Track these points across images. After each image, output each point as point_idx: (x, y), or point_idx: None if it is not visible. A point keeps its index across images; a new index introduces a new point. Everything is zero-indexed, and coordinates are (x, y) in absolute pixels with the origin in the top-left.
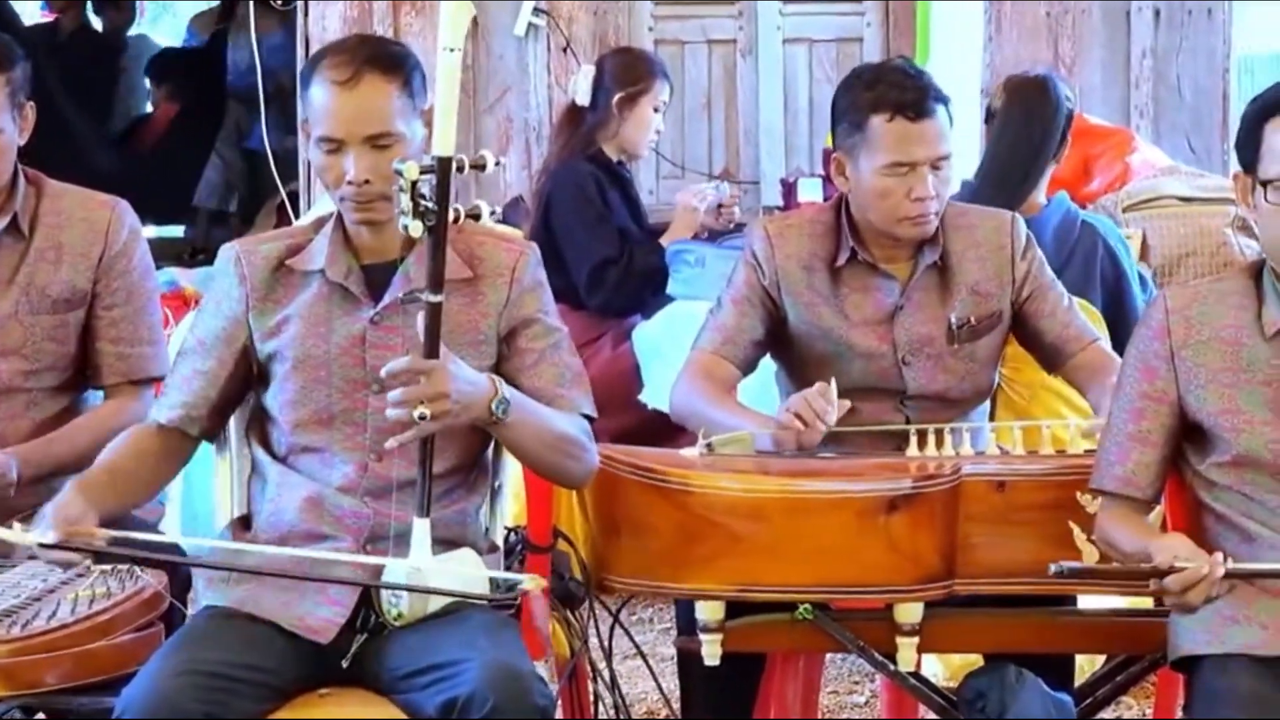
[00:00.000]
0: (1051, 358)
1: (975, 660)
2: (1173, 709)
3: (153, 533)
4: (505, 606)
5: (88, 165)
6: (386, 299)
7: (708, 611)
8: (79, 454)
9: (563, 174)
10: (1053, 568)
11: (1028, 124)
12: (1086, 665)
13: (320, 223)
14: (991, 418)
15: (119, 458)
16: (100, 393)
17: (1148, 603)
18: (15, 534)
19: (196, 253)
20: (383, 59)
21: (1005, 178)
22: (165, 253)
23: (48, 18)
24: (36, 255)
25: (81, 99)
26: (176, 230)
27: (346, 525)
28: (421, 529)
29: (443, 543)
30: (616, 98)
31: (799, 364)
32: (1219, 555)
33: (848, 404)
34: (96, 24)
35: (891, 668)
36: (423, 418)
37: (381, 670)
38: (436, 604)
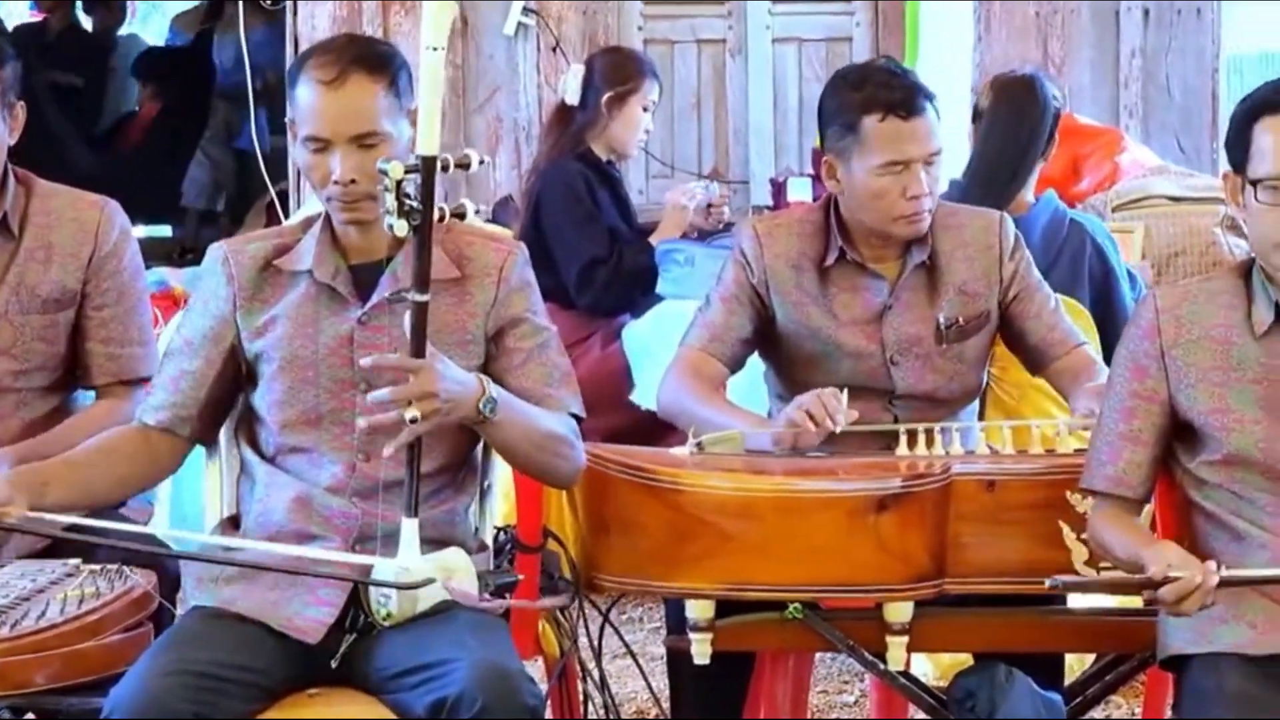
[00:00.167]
0: (1035, 360)
1: (965, 659)
2: (1162, 708)
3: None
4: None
5: (73, 164)
6: (374, 299)
7: (697, 610)
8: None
9: (552, 173)
10: (1049, 582)
11: (1015, 123)
12: (1076, 664)
13: (308, 222)
14: (981, 417)
15: (84, 451)
16: (91, 393)
17: (1137, 602)
18: None
19: (185, 252)
20: (369, 59)
21: (993, 177)
22: (153, 252)
23: (36, 17)
24: (26, 255)
25: (70, 98)
26: (164, 229)
27: (335, 525)
28: (410, 529)
29: (432, 542)
30: (605, 97)
31: (787, 363)
32: (1212, 564)
33: (855, 413)
34: (86, 24)
35: (881, 667)
36: (414, 420)
37: (370, 670)
38: (426, 604)
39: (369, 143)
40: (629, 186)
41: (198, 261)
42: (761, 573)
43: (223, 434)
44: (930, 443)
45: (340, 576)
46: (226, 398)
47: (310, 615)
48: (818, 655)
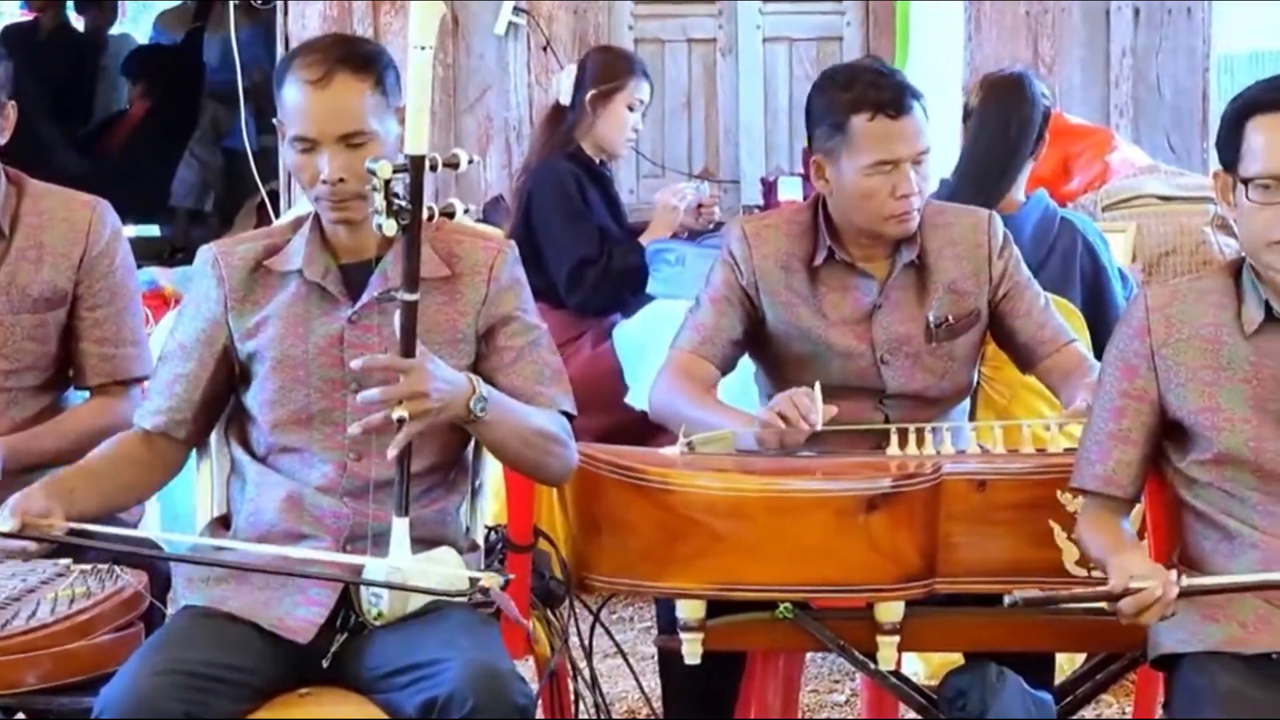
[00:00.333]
0: (1025, 358)
1: (956, 659)
2: (1153, 707)
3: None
4: (485, 605)
5: (62, 164)
6: (364, 298)
7: (688, 610)
8: (64, 448)
9: (543, 172)
10: (1007, 600)
11: (1004, 121)
12: (1067, 664)
13: (298, 223)
14: (972, 417)
15: (98, 460)
16: (83, 393)
17: None
18: None
19: (175, 251)
20: (355, 58)
21: (983, 176)
22: (143, 252)
23: (27, 17)
24: (17, 255)
25: (61, 98)
26: (152, 229)
27: (326, 525)
28: (400, 528)
29: (423, 542)
30: (590, 94)
31: (778, 364)
32: (1173, 574)
33: (834, 409)
34: (77, 23)
35: (872, 666)
36: (402, 420)
37: (361, 670)
38: (416, 603)
39: (356, 142)
40: (619, 186)
41: (188, 261)
42: (752, 572)
43: (213, 434)
44: (921, 442)
45: (333, 577)
46: (222, 400)
47: (301, 615)
48: (808, 655)
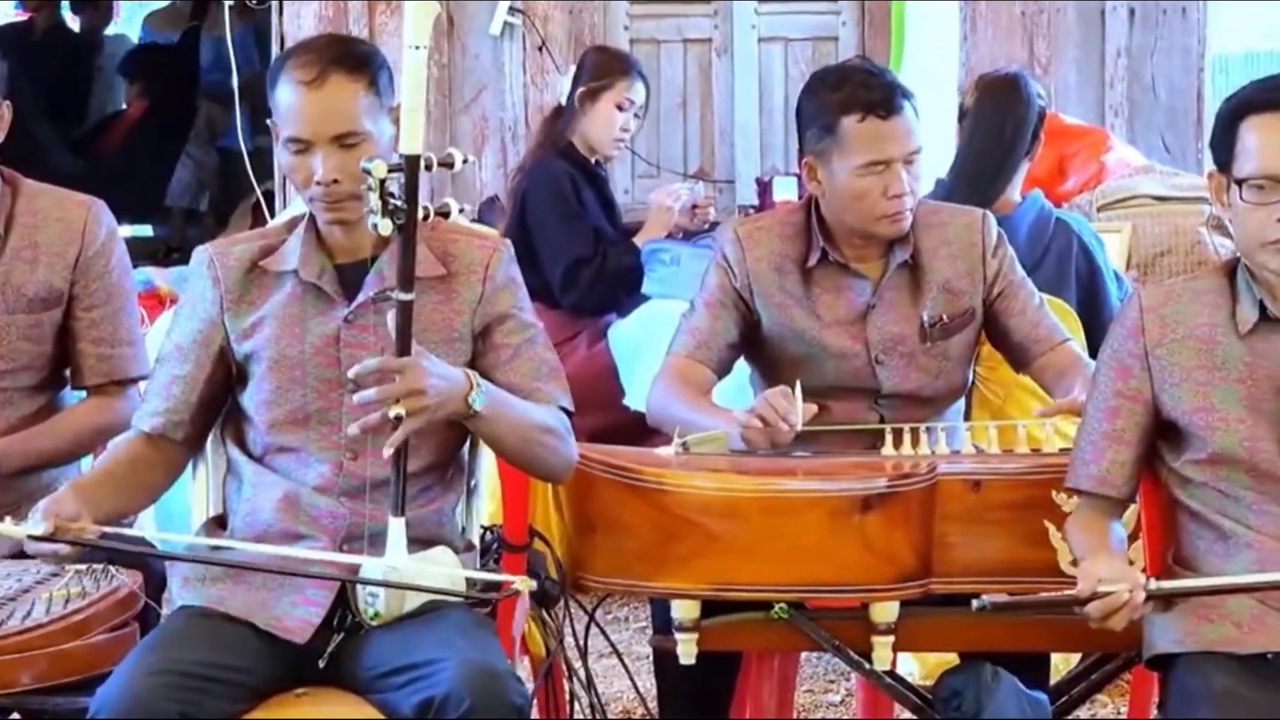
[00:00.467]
0: (1019, 357)
1: (951, 659)
2: (1147, 707)
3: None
4: (482, 605)
5: (58, 164)
6: (360, 298)
7: (683, 610)
8: (60, 449)
9: (538, 172)
10: (975, 604)
11: (999, 121)
12: (1062, 664)
13: (294, 223)
14: (967, 417)
15: (113, 464)
16: (79, 393)
17: None
18: (5, 526)
19: (171, 251)
20: (348, 58)
21: (978, 176)
22: (138, 252)
23: (21, 16)
24: (12, 255)
25: (56, 98)
26: (147, 229)
27: (322, 525)
28: (397, 528)
29: (419, 542)
30: (579, 92)
31: (773, 366)
32: (1141, 577)
33: (814, 408)
34: (72, 23)
35: (867, 666)
36: (399, 418)
37: (358, 670)
38: (413, 603)
39: (350, 142)
40: (615, 186)
41: (183, 261)
42: (747, 572)
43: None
44: (916, 442)
45: (328, 576)
46: (219, 401)
47: (298, 615)
48: (803, 655)
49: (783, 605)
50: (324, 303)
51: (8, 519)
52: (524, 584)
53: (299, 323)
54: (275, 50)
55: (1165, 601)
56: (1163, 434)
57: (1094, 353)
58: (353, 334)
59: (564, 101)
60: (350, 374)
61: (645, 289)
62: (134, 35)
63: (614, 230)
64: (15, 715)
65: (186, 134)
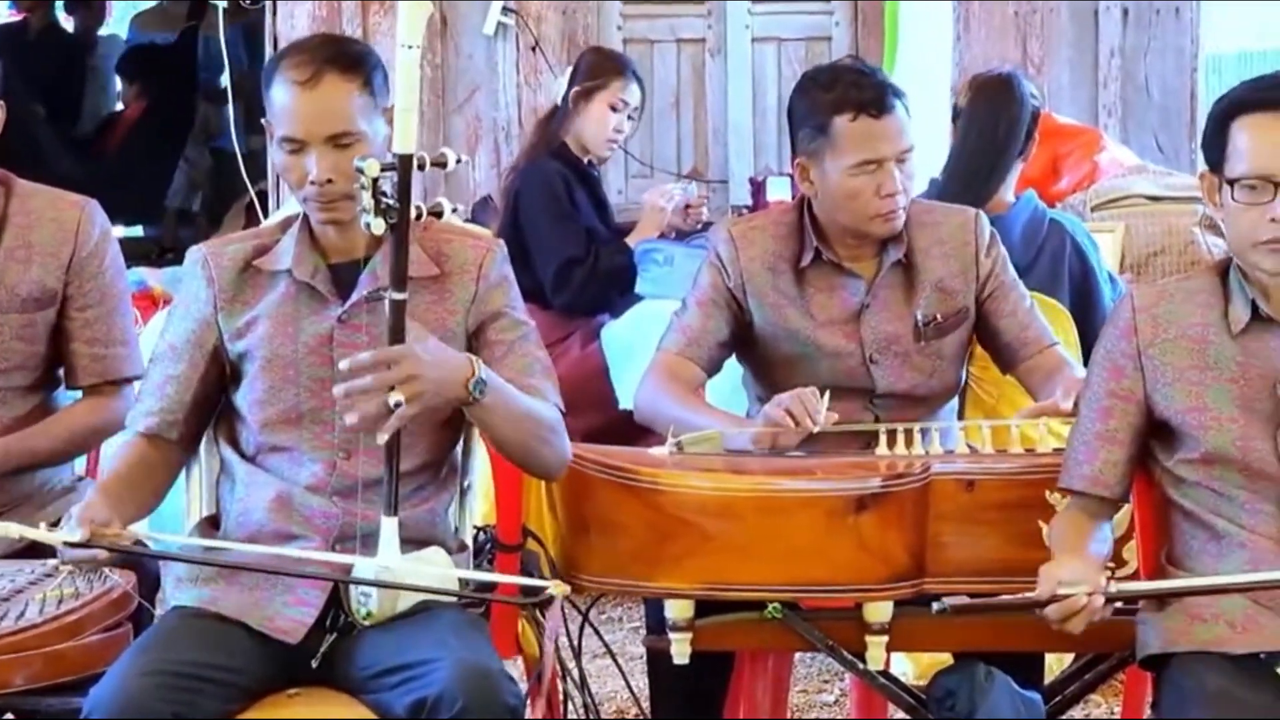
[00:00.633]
0: (1007, 358)
1: (944, 659)
2: (1141, 707)
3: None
4: (474, 605)
5: (52, 164)
6: (353, 298)
7: (677, 610)
8: (55, 449)
9: (530, 172)
10: (935, 607)
11: (992, 121)
12: (1055, 664)
13: (287, 223)
14: (961, 416)
15: (126, 467)
16: (74, 393)
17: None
18: (42, 533)
19: (164, 252)
20: (342, 58)
21: (971, 175)
22: (132, 252)
23: (15, 17)
24: (6, 254)
25: (51, 98)
26: (136, 230)
27: (315, 525)
28: (389, 528)
29: (412, 542)
30: (573, 91)
31: (766, 365)
32: (1101, 581)
33: (835, 415)
34: (66, 24)
35: (861, 666)
36: (398, 404)
37: (351, 670)
38: (406, 603)
39: (344, 142)
40: (608, 186)
41: (177, 261)
42: (741, 572)
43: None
44: (910, 442)
45: (321, 576)
46: (213, 400)
47: (290, 615)
48: (797, 655)
49: (777, 605)
50: (317, 302)
51: (42, 525)
52: (558, 589)
53: (292, 322)
54: (269, 50)
55: (1159, 602)
56: (1156, 434)
57: (1087, 353)
58: (346, 333)
59: (558, 101)
60: (342, 366)
61: (638, 289)
62: (124, 35)
63: (607, 230)
64: (9, 716)
65: (185, 135)
